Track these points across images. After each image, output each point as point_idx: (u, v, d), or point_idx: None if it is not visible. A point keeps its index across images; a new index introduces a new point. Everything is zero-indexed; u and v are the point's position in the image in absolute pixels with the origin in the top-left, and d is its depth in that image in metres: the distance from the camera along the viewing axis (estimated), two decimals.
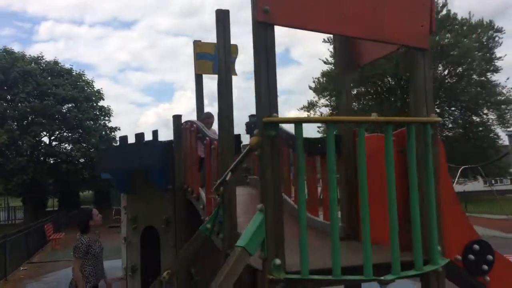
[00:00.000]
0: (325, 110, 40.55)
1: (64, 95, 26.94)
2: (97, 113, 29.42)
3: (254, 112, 2.82)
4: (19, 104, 26.54)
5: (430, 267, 2.82)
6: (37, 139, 27.83)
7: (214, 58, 7.40)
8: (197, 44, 7.40)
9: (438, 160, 3.04)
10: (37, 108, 26.28)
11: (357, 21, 2.90)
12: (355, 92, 39.88)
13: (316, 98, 40.01)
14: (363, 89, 39.53)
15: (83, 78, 29.79)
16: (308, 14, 2.81)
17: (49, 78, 27.95)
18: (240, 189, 6.23)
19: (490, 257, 3.43)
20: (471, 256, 3.38)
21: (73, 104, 27.91)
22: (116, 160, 6.29)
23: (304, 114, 40.85)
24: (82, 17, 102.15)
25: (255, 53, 2.77)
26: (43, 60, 28.99)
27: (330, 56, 38.95)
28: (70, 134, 28.82)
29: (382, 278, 2.61)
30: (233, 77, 4.26)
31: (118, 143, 6.62)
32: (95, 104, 29.28)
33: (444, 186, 3.42)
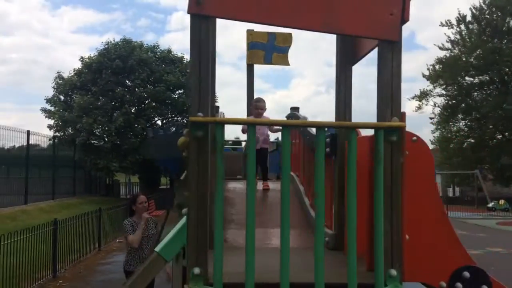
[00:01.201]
0: (440, 100, 37.79)
1: (175, 82, 28.60)
2: None
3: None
4: (136, 89, 28.79)
5: None
6: (151, 122, 30.00)
7: (266, 47, 7.23)
8: (249, 33, 7.27)
9: (401, 172, 2.61)
10: (150, 94, 28.27)
11: (305, 11, 2.58)
12: (476, 81, 36.52)
13: (431, 87, 37.37)
14: (487, 78, 35.98)
15: None
16: (248, 4, 2.57)
17: (163, 65, 29.84)
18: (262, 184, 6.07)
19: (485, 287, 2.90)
20: (459, 285, 2.89)
21: (182, 90, 29.54)
22: (159, 148, 6.51)
23: (415, 104, 38.51)
24: None
25: (190, 47, 2.62)
26: (158, 49, 31.03)
27: (447, 41, 36.13)
28: (179, 119, 30.56)
29: None
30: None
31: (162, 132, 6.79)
32: None
33: (428, 202, 2.97)
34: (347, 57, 3.66)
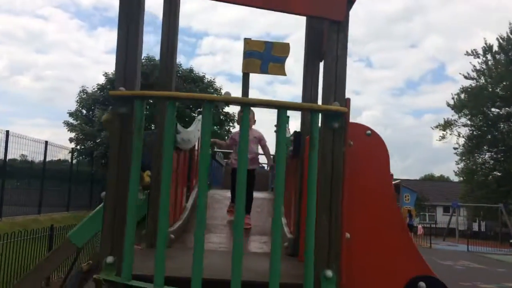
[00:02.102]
0: (464, 130, 36.80)
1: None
2: (222, 118, 30.88)
3: None
4: (156, 106, 29.08)
5: None
6: None
7: (263, 56, 7.08)
8: (246, 42, 7.15)
9: (343, 162, 2.37)
10: None
11: None
12: (503, 112, 35.45)
13: (456, 117, 36.46)
14: None
15: (213, 85, 31.51)
16: None
17: (184, 84, 30.10)
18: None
19: None
20: None
21: (201, 109, 29.69)
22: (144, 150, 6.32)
23: (439, 133, 37.55)
24: (238, 32, 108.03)
25: (119, 22, 2.47)
26: (181, 68, 31.41)
27: (472, 70, 35.36)
28: None
29: None
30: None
31: None
32: (220, 110, 30.76)
33: (382, 202, 2.69)
34: (314, 53, 3.47)
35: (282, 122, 2.22)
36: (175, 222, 3.72)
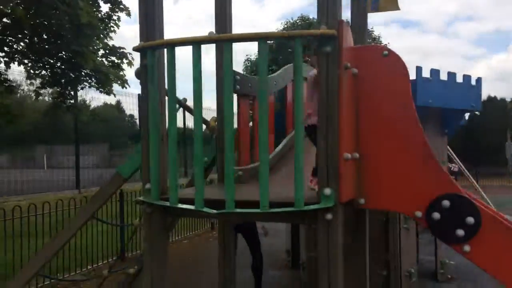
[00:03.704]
0: None
1: None
2: None
3: None
4: None
5: (286, 208, 2.36)
6: None
7: None
8: None
9: (338, 85, 2.39)
10: None
11: None
12: None
13: None
14: None
15: (379, 39, 30.49)
16: None
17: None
18: None
19: (470, 219, 2.46)
20: (436, 215, 2.51)
21: None
22: None
23: None
24: None
25: None
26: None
27: None
28: None
29: (212, 211, 2.40)
30: None
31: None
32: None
33: (403, 122, 2.62)
34: None
35: (263, 54, 2.34)
36: (249, 164, 4.04)
